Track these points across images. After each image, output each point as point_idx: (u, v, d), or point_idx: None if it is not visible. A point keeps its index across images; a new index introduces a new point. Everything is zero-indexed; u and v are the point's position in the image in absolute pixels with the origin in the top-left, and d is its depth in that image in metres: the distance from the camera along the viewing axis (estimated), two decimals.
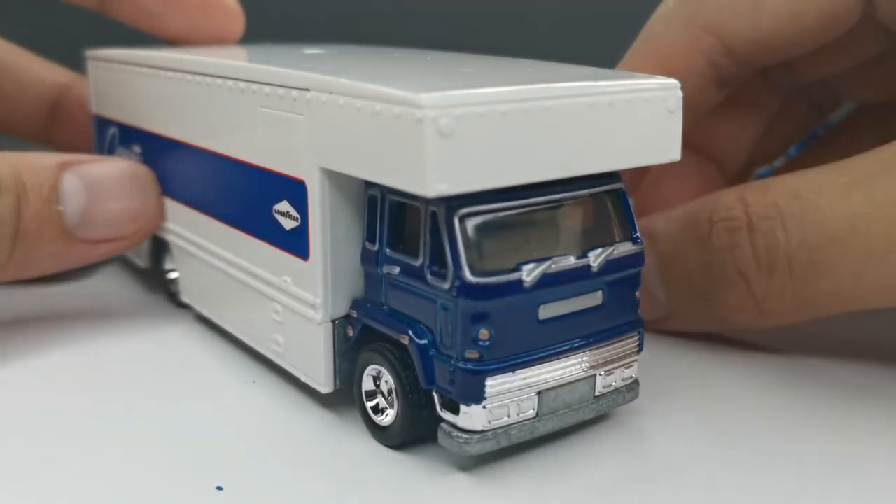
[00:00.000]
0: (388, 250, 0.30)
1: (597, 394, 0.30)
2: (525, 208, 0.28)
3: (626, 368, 0.31)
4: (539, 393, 0.29)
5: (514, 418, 0.28)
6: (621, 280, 0.30)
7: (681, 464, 0.30)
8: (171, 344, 0.39)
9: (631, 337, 0.31)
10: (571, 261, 0.29)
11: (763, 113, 0.44)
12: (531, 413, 0.29)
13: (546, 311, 0.28)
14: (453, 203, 0.27)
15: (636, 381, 0.32)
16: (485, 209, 0.28)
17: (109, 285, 0.47)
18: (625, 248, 0.30)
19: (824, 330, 0.38)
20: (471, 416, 0.28)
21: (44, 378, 0.36)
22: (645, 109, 0.29)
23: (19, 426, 0.32)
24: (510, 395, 0.28)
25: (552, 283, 0.28)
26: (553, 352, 0.29)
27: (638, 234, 0.31)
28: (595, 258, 0.29)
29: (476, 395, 0.27)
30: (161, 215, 0.41)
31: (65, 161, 0.38)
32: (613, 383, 0.31)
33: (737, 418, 0.33)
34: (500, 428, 0.28)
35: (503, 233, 0.28)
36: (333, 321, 0.31)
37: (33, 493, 0.28)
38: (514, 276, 0.27)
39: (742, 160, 0.45)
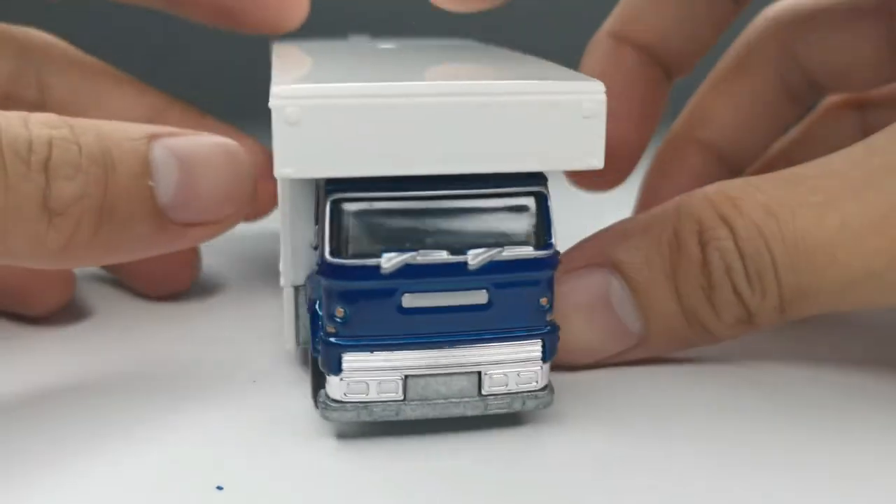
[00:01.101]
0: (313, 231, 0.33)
1: (484, 392, 0.31)
2: (408, 200, 0.30)
3: (523, 373, 0.31)
4: (406, 378, 0.30)
5: (374, 396, 0.30)
6: (516, 283, 0.30)
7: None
8: (171, 344, 0.39)
9: (529, 342, 0.31)
10: (443, 256, 0.30)
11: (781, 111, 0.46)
12: (396, 395, 0.30)
13: (411, 301, 0.30)
14: (330, 188, 0.30)
15: (546, 390, 0.31)
16: (359, 196, 0.30)
17: (101, 284, 0.47)
18: (518, 252, 0.30)
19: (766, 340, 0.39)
20: (332, 386, 0.30)
21: (39, 376, 0.36)
22: (551, 113, 0.29)
23: (15, 424, 0.32)
24: (369, 374, 0.30)
25: (418, 275, 0.29)
26: (422, 341, 0.30)
27: (552, 240, 0.30)
28: (474, 257, 0.29)
29: (334, 367, 0.30)
30: (256, 199, 0.37)
31: (154, 132, 0.34)
32: (507, 386, 0.31)
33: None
34: (360, 402, 0.30)
35: (377, 221, 0.30)
36: (295, 287, 0.35)
37: (31, 491, 0.28)
38: (372, 262, 0.29)
39: (750, 159, 0.47)
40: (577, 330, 0.35)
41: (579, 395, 0.35)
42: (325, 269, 0.29)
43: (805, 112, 0.48)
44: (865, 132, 0.39)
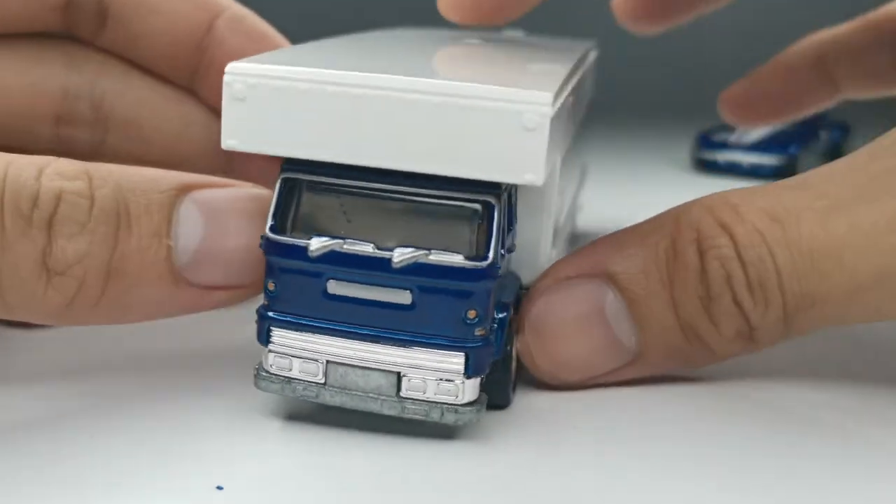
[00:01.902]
0: None
1: (402, 394, 0.30)
2: (354, 191, 0.30)
3: (443, 384, 0.30)
4: (328, 363, 0.31)
5: (297, 374, 0.31)
6: (441, 290, 0.30)
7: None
8: (170, 344, 0.38)
9: (451, 354, 0.30)
10: (368, 249, 0.30)
11: None
12: (318, 378, 0.31)
13: (335, 288, 0.30)
14: (285, 166, 0.31)
15: (472, 406, 0.30)
16: (308, 179, 0.31)
17: None
18: (446, 258, 0.29)
19: None
20: (263, 356, 0.31)
21: (38, 376, 0.35)
22: (490, 121, 0.28)
23: (15, 424, 0.32)
24: (294, 351, 0.31)
25: (343, 263, 0.30)
26: (344, 329, 0.30)
27: (489, 253, 0.29)
28: (399, 255, 0.29)
29: (264, 339, 0.31)
30: None
31: (186, 184, 0.31)
32: (425, 393, 0.30)
33: None
34: (284, 377, 0.31)
35: (319, 205, 0.31)
36: None
37: (30, 489, 0.28)
38: (301, 242, 0.30)
39: None
40: (569, 344, 0.33)
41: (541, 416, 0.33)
42: (265, 243, 0.31)
43: None
44: None
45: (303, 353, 0.31)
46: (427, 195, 0.30)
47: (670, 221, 0.33)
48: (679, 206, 0.34)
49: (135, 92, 0.40)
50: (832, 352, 0.40)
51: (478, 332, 0.30)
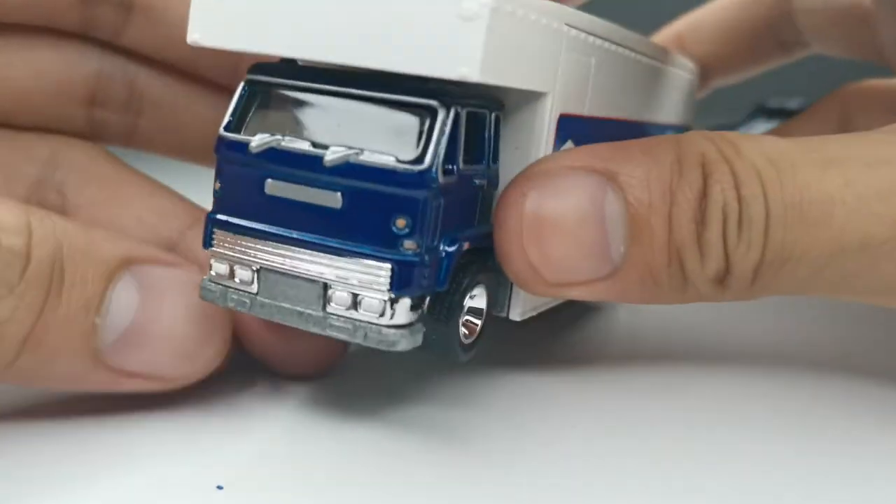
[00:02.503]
0: None
1: (329, 310, 0.28)
2: (309, 93, 0.29)
3: (368, 299, 0.28)
4: (260, 270, 0.29)
5: (233, 283, 0.30)
6: (370, 193, 0.28)
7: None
8: None
9: (376, 265, 0.28)
10: (305, 146, 0.28)
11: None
12: (252, 287, 0.29)
13: (272, 188, 0.29)
14: (251, 70, 0.30)
15: (402, 329, 0.28)
16: (268, 81, 0.30)
17: None
18: (378, 159, 0.27)
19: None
20: (211, 265, 0.30)
21: None
22: (427, 7, 0.27)
23: (17, 424, 0.31)
24: (231, 257, 0.30)
25: (280, 161, 0.29)
26: (278, 233, 0.29)
27: (425, 160, 0.27)
28: (332, 154, 0.28)
29: (207, 240, 0.30)
30: (221, 359, 0.31)
31: (131, 257, 0.30)
32: (350, 309, 0.28)
33: None
34: (222, 284, 0.30)
35: (274, 107, 0.30)
36: None
37: (33, 489, 0.27)
38: (244, 138, 0.29)
39: None
40: (564, 239, 0.30)
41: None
42: (217, 141, 0.30)
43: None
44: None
45: (239, 258, 0.29)
46: (376, 97, 0.28)
47: (672, 142, 0.31)
48: (677, 135, 0.31)
49: (169, 77, 0.39)
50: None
51: (407, 244, 0.27)
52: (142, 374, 0.30)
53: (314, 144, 0.28)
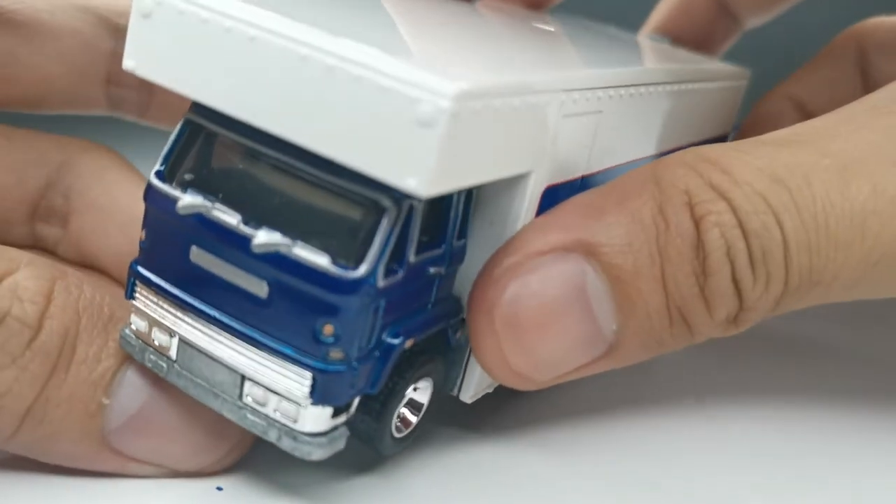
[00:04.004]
0: None
1: (244, 400, 0.26)
2: (252, 153, 0.25)
3: (284, 403, 0.25)
4: (181, 341, 0.26)
5: (152, 342, 0.27)
6: (297, 292, 0.24)
7: None
8: None
9: (296, 370, 0.25)
10: (233, 221, 0.25)
11: None
12: (171, 353, 0.27)
13: (197, 256, 0.26)
14: (192, 109, 0.27)
15: (313, 438, 0.25)
16: (210, 128, 0.26)
17: None
18: (310, 256, 0.24)
19: None
20: (132, 315, 0.28)
21: None
22: (382, 102, 0.22)
23: None
24: (151, 316, 0.27)
25: (207, 231, 0.25)
26: (199, 308, 0.26)
27: (363, 267, 0.24)
28: (262, 237, 0.24)
29: (129, 292, 0.27)
30: (241, 453, 0.28)
31: None
32: (265, 407, 0.25)
33: None
34: (143, 341, 0.27)
35: (217, 161, 0.26)
36: None
37: (35, 487, 0.27)
38: (174, 194, 0.26)
39: None
40: (550, 336, 0.27)
41: None
42: (146, 189, 0.27)
43: None
44: (864, 75, 0.40)
45: (160, 320, 0.26)
46: (322, 179, 0.24)
47: (648, 182, 0.27)
48: (650, 166, 0.27)
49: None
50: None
51: (333, 353, 0.24)
52: (146, 462, 0.28)
53: (245, 220, 0.25)
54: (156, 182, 0.26)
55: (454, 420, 0.33)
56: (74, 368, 0.26)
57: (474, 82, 0.22)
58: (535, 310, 0.26)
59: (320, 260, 0.24)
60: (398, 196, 0.24)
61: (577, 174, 0.30)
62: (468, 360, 0.29)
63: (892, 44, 0.46)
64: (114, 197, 0.34)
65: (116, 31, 0.37)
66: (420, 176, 0.22)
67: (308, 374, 0.24)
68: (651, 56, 0.37)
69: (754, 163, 0.26)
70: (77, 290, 0.27)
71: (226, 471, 0.28)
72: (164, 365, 0.26)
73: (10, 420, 0.25)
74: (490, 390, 0.31)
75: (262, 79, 0.24)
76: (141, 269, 0.27)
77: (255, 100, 0.24)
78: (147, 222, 0.26)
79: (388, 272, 0.24)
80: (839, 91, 0.47)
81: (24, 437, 0.26)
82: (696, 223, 0.26)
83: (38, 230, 0.35)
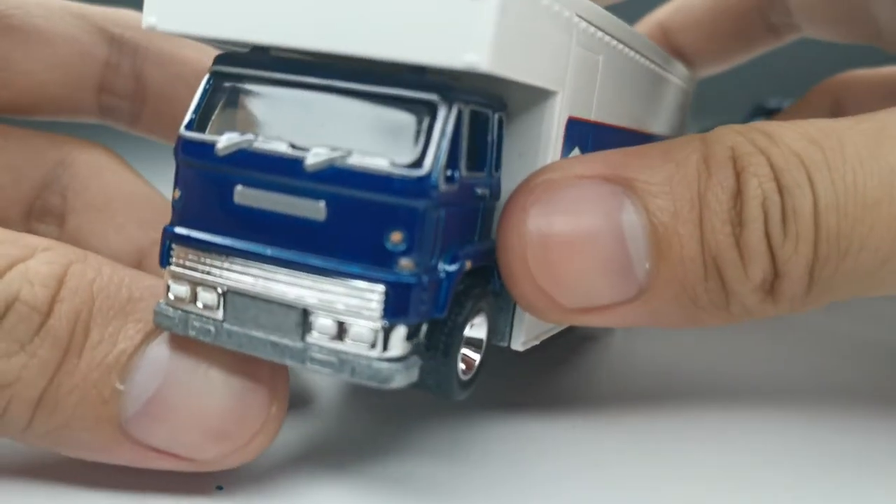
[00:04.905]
0: None
1: (309, 340, 0.24)
2: (285, 86, 0.25)
3: (356, 327, 0.24)
4: (227, 293, 0.25)
5: (195, 307, 0.25)
6: (358, 203, 0.23)
7: None
8: None
9: (366, 287, 0.23)
10: (282, 147, 0.24)
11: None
12: (217, 313, 0.25)
13: (243, 196, 0.25)
14: (217, 59, 0.26)
15: (391, 364, 0.24)
16: (237, 72, 0.26)
17: None
18: (369, 162, 0.23)
19: None
20: (167, 286, 0.26)
21: None
22: None
23: None
24: (192, 278, 0.25)
25: (252, 165, 0.24)
26: (248, 250, 0.24)
27: (425, 164, 0.23)
28: (314, 156, 0.24)
29: (164, 258, 0.26)
30: (267, 442, 0.26)
31: None
32: (335, 340, 0.24)
33: None
34: (184, 310, 0.25)
35: (250, 103, 0.25)
36: None
37: (35, 489, 0.26)
38: (210, 139, 0.25)
39: None
40: (578, 260, 0.26)
41: None
42: (178, 143, 0.26)
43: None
44: None
45: (202, 278, 0.25)
46: (365, 91, 0.24)
47: (696, 141, 0.27)
48: (700, 134, 0.28)
49: (172, 68, 0.38)
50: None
51: (403, 262, 0.23)
52: (165, 452, 0.25)
53: (293, 146, 0.24)
54: (187, 133, 0.25)
55: (465, 404, 0.32)
56: (88, 353, 0.24)
57: None
58: (567, 226, 0.26)
59: (380, 163, 0.23)
60: (449, 96, 0.24)
61: (587, 116, 0.30)
62: (515, 307, 0.28)
63: (866, 95, 0.49)
64: (111, 196, 0.34)
65: (112, 39, 0.37)
66: (479, 51, 0.22)
67: (380, 288, 0.23)
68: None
69: (794, 128, 0.27)
70: (94, 272, 0.25)
71: (226, 471, 0.27)
72: (212, 328, 0.25)
73: (22, 409, 0.24)
74: (537, 342, 0.30)
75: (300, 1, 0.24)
76: (178, 230, 0.25)
77: (293, 22, 0.24)
78: (180, 178, 0.25)
79: (447, 178, 0.24)
80: None
81: (38, 428, 0.24)
82: (738, 174, 0.26)
83: (35, 229, 0.34)
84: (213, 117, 0.25)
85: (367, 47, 0.23)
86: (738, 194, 0.26)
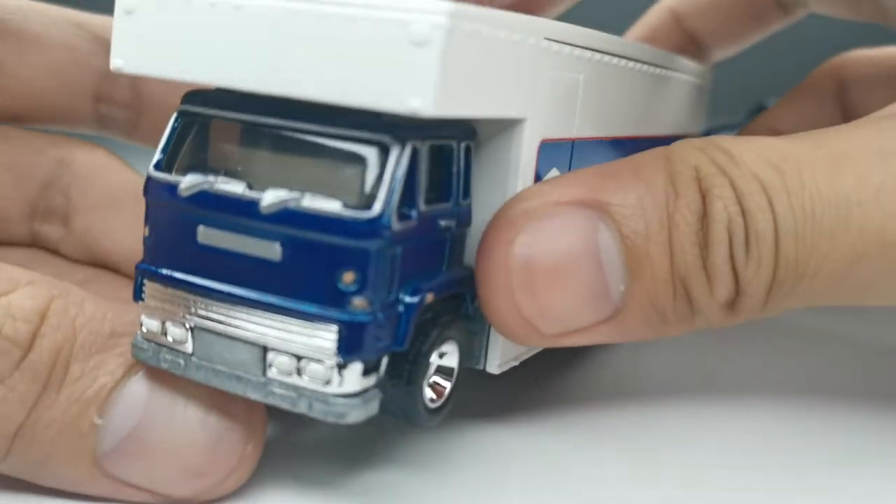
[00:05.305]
0: None
1: (268, 375, 0.25)
2: (248, 127, 0.26)
3: (311, 366, 0.24)
4: (195, 328, 0.26)
5: (166, 340, 0.26)
6: (312, 244, 0.24)
7: None
8: None
9: (320, 327, 0.24)
10: (239, 189, 0.25)
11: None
12: (186, 347, 0.26)
13: (205, 236, 0.25)
14: (185, 99, 0.27)
15: (346, 399, 0.24)
16: (202, 112, 0.26)
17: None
18: (321, 205, 0.24)
19: None
20: (142, 321, 0.27)
21: None
22: (375, 34, 0.23)
23: None
24: (163, 312, 0.26)
25: (213, 206, 0.25)
26: (212, 288, 0.25)
27: (375, 206, 0.24)
28: (269, 198, 0.24)
29: (137, 293, 0.27)
30: (243, 479, 0.27)
31: None
32: (292, 376, 0.24)
33: None
34: (157, 343, 0.26)
35: (214, 143, 0.26)
36: None
37: (38, 489, 0.27)
38: (174, 179, 0.26)
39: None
40: (560, 287, 0.26)
41: None
42: (146, 182, 0.26)
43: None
44: (844, 109, 0.42)
45: (172, 314, 0.26)
46: (321, 132, 0.24)
47: (660, 157, 0.27)
48: (663, 148, 0.28)
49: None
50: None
51: (356, 301, 0.24)
52: (140, 487, 0.26)
53: (250, 187, 0.24)
54: (155, 173, 0.26)
55: (467, 410, 0.32)
56: (67, 388, 0.25)
57: (462, 7, 0.23)
58: (549, 255, 0.26)
59: (331, 206, 0.23)
60: (401, 136, 0.24)
61: (568, 135, 0.30)
62: (490, 329, 0.29)
63: (870, 76, 0.48)
64: (117, 195, 0.34)
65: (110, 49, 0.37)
66: (424, 95, 0.22)
67: (333, 328, 0.24)
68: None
69: (755, 149, 0.27)
70: (76, 307, 0.26)
71: None
72: (182, 361, 0.26)
73: (3, 440, 0.24)
74: (516, 363, 0.30)
75: (254, 44, 0.24)
76: (148, 266, 0.26)
77: (249, 66, 0.24)
78: (149, 216, 0.26)
79: (401, 216, 0.24)
80: (818, 124, 0.49)
81: (14, 460, 0.25)
82: (703, 196, 0.26)
83: (38, 229, 0.35)
84: (179, 157, 0.26)
85: (314, 91, 0.23)
86: (705, 216, 0.26)
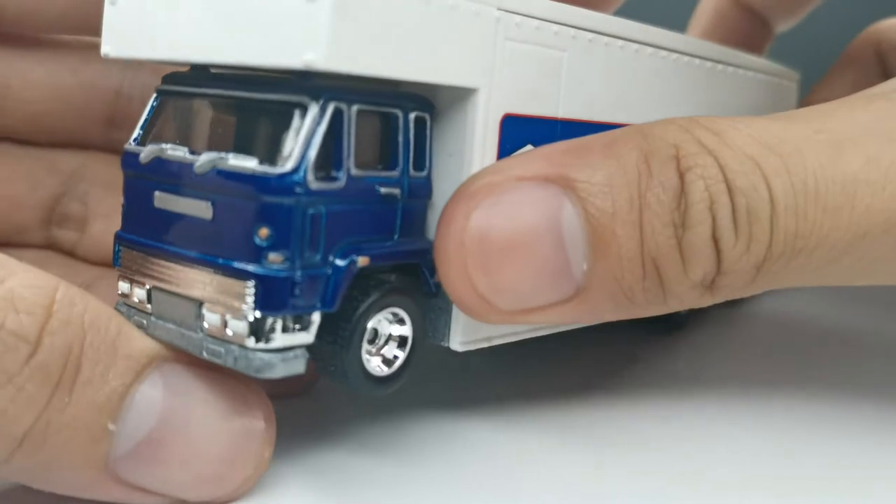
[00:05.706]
0: None
1: (204, 328, 0.26)
2: (201, 98, 0.27)
3: (232, 320, 0.25)
4: (151, 289, 0.27)
5: (134, 301, 0.28)
6: (234, 202, 0.25)
7: None
8: None
9: (238, 281, 0.25)
10: (183, 154, 0.26)
11: None
12: (147, 307, 0.28)
13: (159, 200, 0.27)
14: (163, 79, 0.29)
15: (268, 354, 0.25)
16: (172, 90, 0.28)
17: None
18: (242, 163, 0.25)
19: None
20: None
21: None
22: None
23: None
24: (132, 274, 0.28)
25: (165, 172, 0.27)
26: (161, 248, 0.27)
27: (289, 162, 0.24)
28: (202, 159, 0.26)
29: (115, 258, 0.29)
30: (254, 483, 0.26)
31: (165, 353, 0.25)
32: (221, 330, 0.26)
33: None
34: (128, 304, 0.28)
35: (178, 116, 0.28)
36: None
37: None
38: (137, 149, 0.28)
39: None
40: (516, 262, 0.26)
41: None
42: (122, 153, 0.29)
43: None
44: (886, 77, 0.37)
45: (137, 276, 0.28)
46: (253, 98, 0.26)
47: (637, 134, 0.26)
48: (641, 125, 0.27)
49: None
50: None
51: (272, 257, 0.24)
52: (154, 493, 0.25)
53: (191, 152, 0.26)
54: (127, 146, 0.28)
55: (449, 403, 0.32)
56: (79, 390, 0.23)
57: None
58: (507, 230, 0.26)
59: (248, 163, 0.24)
60: (320, 95, 0.24)
61: (548, 113, 0.29)
62: (453, 306, 0.28)
63: None
64: None
65: (126, 67, 0.36)
66: (316, 49, 0.23)
67: (250, 282, 0.24)
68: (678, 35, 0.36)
69: (746, 130, 0.26)
70: (82, 302, 0.24)
71: None
72: (145, 321, 0.27)
73: (4, 444, 0.23)
74: (487, 344, 0.29)
75: (194, 17, 0.26)
76: (122, 233, 0.28)
77: (194, 41, 0.26)
78: (124, 188, 0.28)
79: (324, 177, 0.25)
80: None
81: (21, 464, 0.23)
82: (682, 175, 0.26)
83: (54, 234, 0.36)
84: (152, 132, 0.28)
85: (233, 56, 0.25)
86: (682, 195, 0.25)
